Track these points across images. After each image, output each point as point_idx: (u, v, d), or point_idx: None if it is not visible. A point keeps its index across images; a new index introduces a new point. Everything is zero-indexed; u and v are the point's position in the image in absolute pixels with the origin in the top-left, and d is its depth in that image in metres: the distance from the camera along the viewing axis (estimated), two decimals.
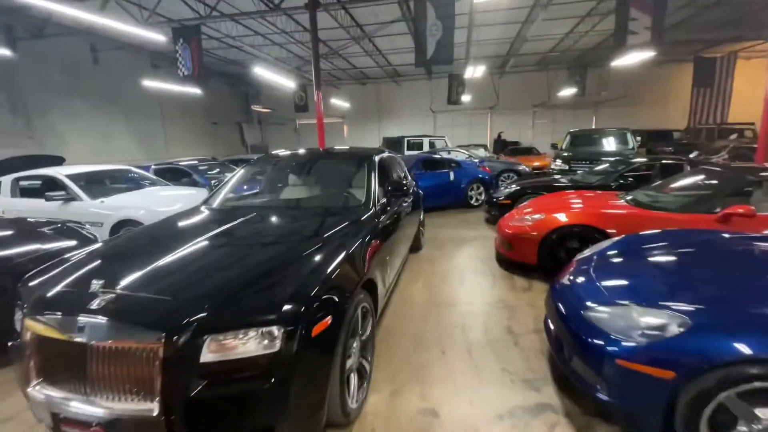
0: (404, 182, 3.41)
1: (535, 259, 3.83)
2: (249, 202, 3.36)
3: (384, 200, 3.13)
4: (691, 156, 9.29)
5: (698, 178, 3.95)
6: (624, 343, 1.70)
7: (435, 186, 7.47)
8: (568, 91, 16.44)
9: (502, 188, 6.59)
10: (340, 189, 3.32)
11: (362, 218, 2.66)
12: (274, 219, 2.74)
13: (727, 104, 16.20)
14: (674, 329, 1.63)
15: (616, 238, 2.85)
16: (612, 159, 8.14)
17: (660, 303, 1.78)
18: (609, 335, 1.77)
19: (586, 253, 2.75)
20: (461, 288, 3.83)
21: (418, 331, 2.99)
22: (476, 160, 9.51)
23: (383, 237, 2.76)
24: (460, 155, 10.41)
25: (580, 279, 2.32)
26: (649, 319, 1.72)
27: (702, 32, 12.68)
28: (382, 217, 2.92)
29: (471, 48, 13.20)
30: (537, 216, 3.91)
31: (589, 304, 1.99)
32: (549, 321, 2.42)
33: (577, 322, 1.98)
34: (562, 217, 3.73)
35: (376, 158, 3.44)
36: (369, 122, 21.09)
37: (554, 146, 11.35)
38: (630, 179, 5.50)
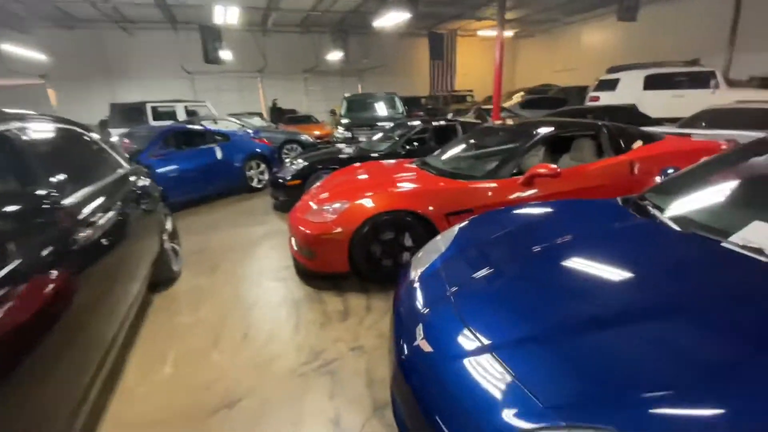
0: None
1: (346, 265, 2.85)
2: None
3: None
4: (455, 117, 10.46)
5: (492, 139, 3.79)
6: None
7: (195, 169, 5.50)
8: (334, 56, 16.29)
9: (288, 164, 5.36)
10: None
11: None
12: None
13: (454, 74, 19.78)
14: None
15: (457, 230, 2.08)
16: (388, 124, 8.13)
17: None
18: None
19: (425, 259, 1.89)
20: (245, 351, 2.28)
21: None
22: (251, 131, 7.86)
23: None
24: (231, 126, 8.46)
25: (441, 323, 1.39)
26: None
27: (437, 6, 14.44)
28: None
29: None
30: (338, 205, 2.89)
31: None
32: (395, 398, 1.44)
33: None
34: (368, 203, 2.83)
35: None
36: (94, 84, 15.39)
37: (333, 113, 10.91)
38: (416, 144, 5.25)
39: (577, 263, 1.55)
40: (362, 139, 7.56)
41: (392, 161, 4.16)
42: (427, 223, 2.83)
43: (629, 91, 10.05)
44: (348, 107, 9.24)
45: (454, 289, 1.54)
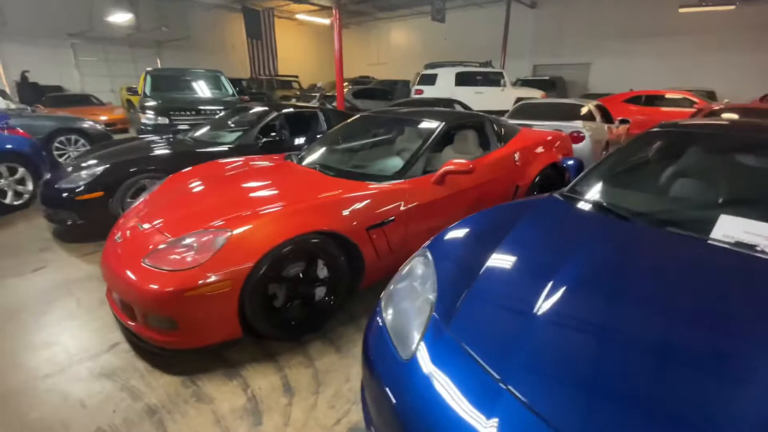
0: None
1: (237, 329, 1.82)
2: None
3: None
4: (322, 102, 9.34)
5: (385, 130, 3.22)
6: None
7: None
8: (118, 18, 12.60)
9: (71, 167, 3.52)
10: None
11: None
12: None
13: (275, 57, 18.39)
14: None
15: (430, 258, 1.44)
16: (218, 108, 6.64)
17: None
18: None
19: (408, 320, 1.21)
20: None
21: None
22: None
23: None
24: None
25: None
26: None
27: None
28: None
29: None
30: (208, 237, 1.80)
31: None
32: None
33: None
34: (264, 229, 1.85)
35: None
36: None
37: (132, 91, 8.23)
38: (273, 135, 4.23)
39: (633, 293, 1.18)
40: (183, 127, 5.86)
41: (261, 160, 3.10)
42: (345, 243, 2.09)
43: (446, 85, 11.24)
44: (153, 85, 7.07)
45: (499, 368, 0.95)
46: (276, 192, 2.27)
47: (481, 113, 3.49)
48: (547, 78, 14.20)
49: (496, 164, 3.11)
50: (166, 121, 6.21)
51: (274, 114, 4.35)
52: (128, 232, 2.07)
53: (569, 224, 1.66)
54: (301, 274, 1.99)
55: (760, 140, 1.85)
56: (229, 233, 1.78)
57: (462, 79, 11.31)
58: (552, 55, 16.39)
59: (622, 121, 6.18)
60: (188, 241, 1.81)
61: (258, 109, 4.67)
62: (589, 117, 5.64)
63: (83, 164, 3.46)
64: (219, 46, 18.18)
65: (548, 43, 16.36)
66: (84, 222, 3.27)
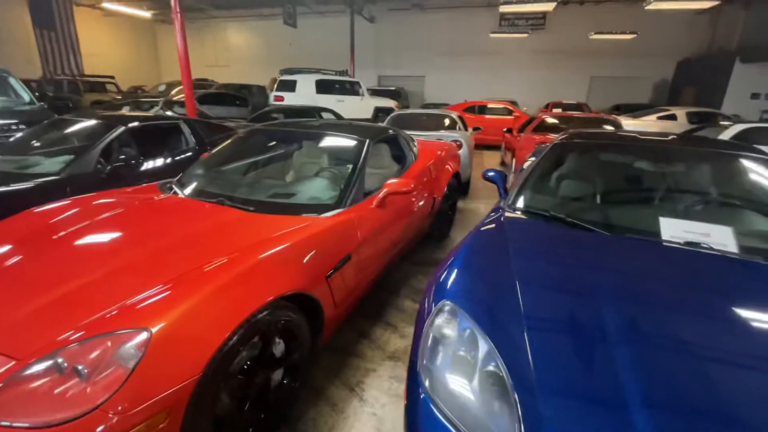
0: None
1: None
2: None
3: None
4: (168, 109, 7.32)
5: (282, 148, 2.70)
6: None
7: None
8: None
9: None
10: None
11: None
12: None
13: (77, 53, 14.70)
14: None
15: (452, 309, 1.16)
16: (10, 123, 4.82)
17: None
18: None
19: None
20: None
21: None
22: None
23: None
24: None
25: None
26: None
27: None
28: None
29: None
30: (103, 348, 1.06)
31: None
32: None
33: None
34: (202, 314, 1.20)
35: None
36: None
37: None
38: (122, 157, 3.13)
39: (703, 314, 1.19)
40: None
41: (123, 197, 2.18)
42: (307, 302, 1.60)
43: (306, 92, 10.84)
44: None
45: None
46: (188, 250, 1.58)
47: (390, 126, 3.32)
48: (393, 88, 15.23)
49: (419, 178, 2.99)
50: None
51: (120, 129, 3.25)
52: None
53: (559, 244, 1.61)
54: (247, 364, 1.41)
55: (667, 149, 2.20)
56: (145, 334, 1.10)
57: (323, 87, 11.11)
58: (393, 66, 17.73)
59: (475, 129, 6.95)
60: (60, 361, 1.05)
61: (89, 122, 3.43)
62: (455, 126, 6.15)
63: None
64: None
65: (389, 56, 17.63)
66: None
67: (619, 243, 1.59)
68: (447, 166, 3.63)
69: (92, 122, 3.38)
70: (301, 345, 1.59)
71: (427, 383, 1.06)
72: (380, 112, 10.87)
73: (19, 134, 3.65)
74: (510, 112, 10.90)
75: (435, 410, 0.99)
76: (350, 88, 11.49)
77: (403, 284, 2.81)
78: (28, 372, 1.03)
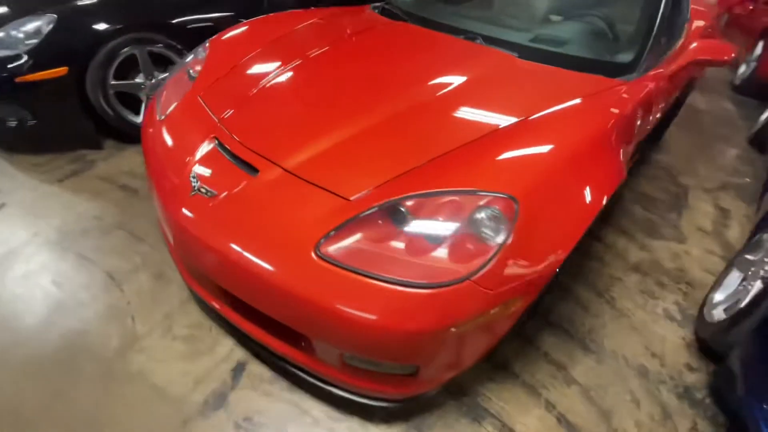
0: None
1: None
2: None
3: None
4: None
5: None
6: None
7: None
8: None
9: None
10: None
11: None
12: None
13: None
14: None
15: None
16: None
17: None
18: None
19: None
20: None
21: None
22: None
23: None
24: None
25: None
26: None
27: None
28: None
29: None
30: (469, 213, 0.88)
31: None
32: None
33: None
34: (576, 183, 0.94)
35: None
36: None
37: None
38: None
39: None
40: None
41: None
42: None
43: None
44: None
45: None
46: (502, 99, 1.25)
47: None
48: None
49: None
50: None
51: None
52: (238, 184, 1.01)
53: None
54: None
55: None
56: (513, 201, 0.85)
57: None
58: None
59: None
60: (426, 223, 0.86)
61: None
62: None
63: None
64: None
65: None
66: (39, 122, 1.98)
67: None
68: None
69: None
70: None
71: None
72: None
73: None
74: None
75: None
76: None
77: (623, 187, 2.34)
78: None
